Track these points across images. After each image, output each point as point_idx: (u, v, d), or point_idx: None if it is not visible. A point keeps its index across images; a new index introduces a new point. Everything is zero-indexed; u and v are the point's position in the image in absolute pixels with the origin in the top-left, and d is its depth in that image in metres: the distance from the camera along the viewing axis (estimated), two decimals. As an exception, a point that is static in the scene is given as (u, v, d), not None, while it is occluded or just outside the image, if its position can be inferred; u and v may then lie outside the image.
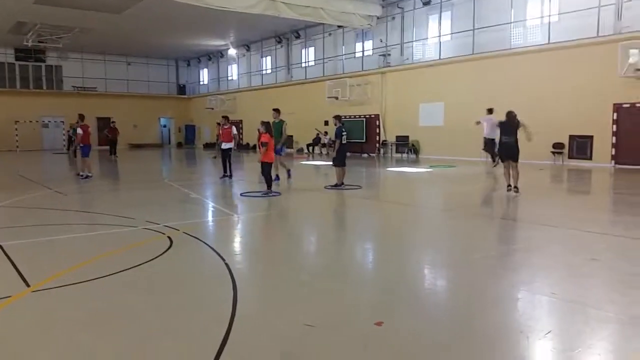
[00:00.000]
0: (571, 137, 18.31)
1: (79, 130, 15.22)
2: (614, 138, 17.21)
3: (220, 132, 14.93)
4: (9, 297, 4.40)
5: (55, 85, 37.10)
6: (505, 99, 19.78)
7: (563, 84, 18.18)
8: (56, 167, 20.15)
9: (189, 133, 42.80)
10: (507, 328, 3.78)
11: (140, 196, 11.51)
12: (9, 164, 21.53)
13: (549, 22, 18.82)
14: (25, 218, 8.73)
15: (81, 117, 15.43)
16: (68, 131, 28.29)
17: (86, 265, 5.48)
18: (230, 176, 14.29)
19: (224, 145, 14.36)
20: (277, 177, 13.00)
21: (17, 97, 34.75)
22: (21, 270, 5.21)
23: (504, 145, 10.91)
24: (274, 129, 13.24)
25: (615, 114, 17.08)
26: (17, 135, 33.39)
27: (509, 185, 10.65)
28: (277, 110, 13.58)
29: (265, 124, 11.27)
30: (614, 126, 17.15)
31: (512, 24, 19.92)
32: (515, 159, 10.71)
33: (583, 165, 17.61)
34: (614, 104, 17.02)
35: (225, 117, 14.88)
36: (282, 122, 13.25)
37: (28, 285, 4.73)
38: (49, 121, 36.17)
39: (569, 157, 18.38)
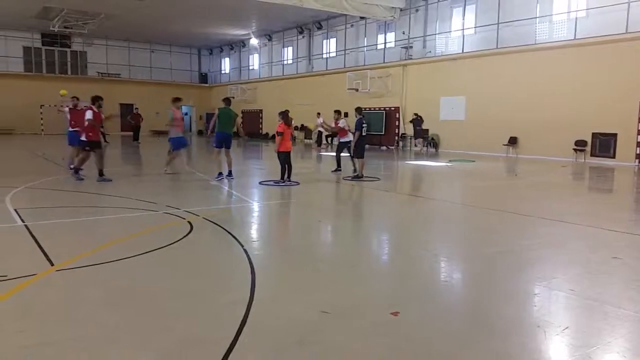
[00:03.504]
0: (594, 135, 18.00)
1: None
2: (639, 137, 16.89)
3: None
4: (34, 275, 4.53)
5: (79, 70, 37.60)
6: (528, 95, 19.61)
7: (588, 81, 17.85)
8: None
9: (210, 121, 43.02)
10: (523, 322, 3.77)
11: (160, 181, 11.66)
12: (35, 147, 21.94)
13: (576, 18, 18.47)
14: (49, 199, 8.91)
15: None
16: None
17: (108, 246, 5.60)
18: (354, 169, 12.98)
19: (342, 139, 13.29)
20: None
21: (43, 82, 35.26)
22: (45, 250, 5.34)
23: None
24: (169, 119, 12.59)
25: (641, 112, 16.75)
26: (42, 119, 33.94)
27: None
28: (176, 100, 13.11)
29: (282, 114, 11.18)
30: (640, 124, 16.83)
31: (537, 19, 19.59)
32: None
33: (606, 164, 17.31)
34: (641, 102, 16.69)
35: (337, 112, 13.43)
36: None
37: (52, 264, 4.85)
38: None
39: (592, 155, 18.08)
